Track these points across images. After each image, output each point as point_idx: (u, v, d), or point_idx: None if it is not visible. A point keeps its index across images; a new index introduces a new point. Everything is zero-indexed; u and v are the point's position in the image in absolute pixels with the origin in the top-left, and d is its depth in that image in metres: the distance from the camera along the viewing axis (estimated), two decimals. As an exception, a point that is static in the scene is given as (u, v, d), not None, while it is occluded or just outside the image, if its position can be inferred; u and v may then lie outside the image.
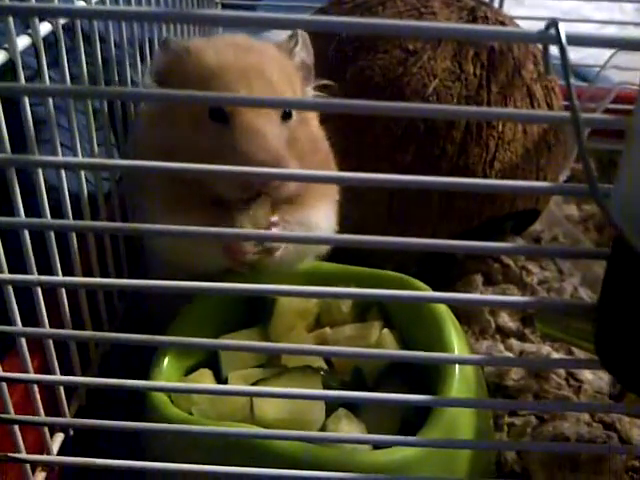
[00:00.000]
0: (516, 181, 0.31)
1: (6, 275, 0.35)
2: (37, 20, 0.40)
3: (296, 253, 0.52)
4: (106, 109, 0.52)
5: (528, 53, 0.68)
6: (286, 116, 0.49)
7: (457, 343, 0.48)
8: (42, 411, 0.41)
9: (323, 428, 0.45)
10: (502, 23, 0.69)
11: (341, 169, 0.55)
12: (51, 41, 0.43)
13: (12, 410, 0.38)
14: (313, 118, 0.56)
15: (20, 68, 0.38)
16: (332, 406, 0.46)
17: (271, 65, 0.51)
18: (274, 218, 0.49)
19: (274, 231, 0.49)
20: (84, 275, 0.48)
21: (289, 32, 0.56)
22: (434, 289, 0.52)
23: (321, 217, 0.54)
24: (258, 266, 0.50)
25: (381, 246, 0.32)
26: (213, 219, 0.46)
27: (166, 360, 0.49)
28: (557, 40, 0.27)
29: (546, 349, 0.63)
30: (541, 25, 0.28)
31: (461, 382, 0.46)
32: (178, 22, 0.56)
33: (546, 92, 0.68)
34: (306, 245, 0.53)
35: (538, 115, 0.30)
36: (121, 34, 0.55)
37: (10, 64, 0.38)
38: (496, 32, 0.31)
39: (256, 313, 0.54)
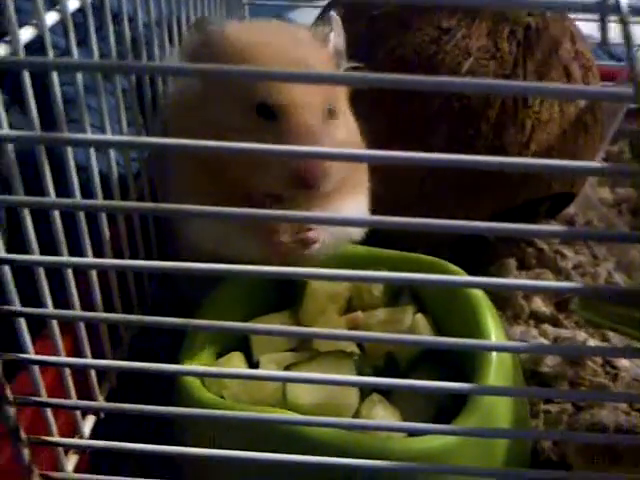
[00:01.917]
0: (570, 161, 0.30)
1: (37, 257, 0.34)
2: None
3: (332, 244, 0.51)
4: (134, 85, 0.51)
5: (565, 31, 0.65)
6: (330, 115, 0.48)
7: (494, 329, 0.47)
8: (74, 394, 0.41)
9: (357, 413, 0.44)
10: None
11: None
12: (78, 21, 0.42)
13: (45, 393, 0.37)
14: (349, 113, 0.54)
15: (49, 43, 0.37)
16: (365, 390, 0.45)
17: (311, 52, 0.50)
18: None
19: (311, 234, 0.48)
20: (114, 256, 0.47)
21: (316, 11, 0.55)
22: (467, 273, 0.51)
23: (355, 207, 0.53)
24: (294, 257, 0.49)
25: (414, 228, 0.31)
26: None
27: (197, 343, 0.48)
28: (617, 10, 0.25)
29: (582, 335, 0.62)
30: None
31: (498, 369, 0.45)
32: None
33: (584, 72, 0.66)
34: (342, 234, 0.53)
35: (597, 91, 0.28)
36: (149, 13, 0.53)
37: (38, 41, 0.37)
38: (551, 2, 0.29)
39: (287, 295, 0.54)
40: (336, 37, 0.53)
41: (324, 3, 0.75)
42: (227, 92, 0.48)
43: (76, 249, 0.42)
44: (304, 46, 0.50)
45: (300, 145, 0.44)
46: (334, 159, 0.45)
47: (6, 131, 0.32)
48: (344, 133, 0.50)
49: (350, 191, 0.52)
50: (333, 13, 0.54)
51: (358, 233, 0.54)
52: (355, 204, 0.53)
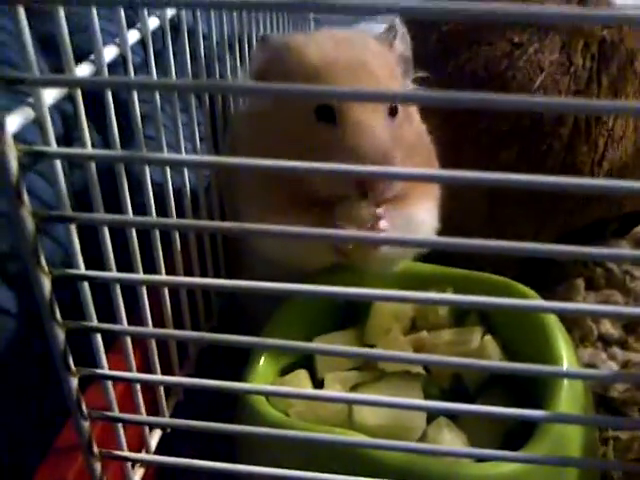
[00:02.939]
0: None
1: (116, 274, 0.34)
2: (146, 13, 0.39)
3: (401, 250, 0.51)
4: (207, 103, 0.51)
5: (640, 44, 0.64)
6: (393, 112, 0.48)
7: (567, 355, 0.45)
8: (143, 409, 0.41)
9: (423, 436, 0.44)
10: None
11: (440, 165, 0.53)
12: (153, 38, 0.42)
13: (116, 408, 0.38)
14: (415, 113, 0.54)
15: (130, 63, 0.38)
16: (432, 412, 0.44)
17: (375, 59, 0.49)
18: (380, 210, 0.47)
19: (382, 223, 0.47)
20: (184, 271, 0.47)
21: (383, 25, 0.54)
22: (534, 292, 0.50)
23: (425, 214, 0.52)
24: (363, 261, 0.49)
25: (487, 251, 0.30)
26: (313, 219, 0.45)
27: (262, 359, 0.48)
28: None
29: (653, 360, 0.60)
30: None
31: (570, 395, 0.44)
32: (281, 10, 0.54)
33: (659, 86, 0.64)
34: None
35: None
36: (222, 32, 0.54)
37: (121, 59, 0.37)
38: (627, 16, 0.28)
39: (351, 313, 0.53)
40: (401, 43, 0.53)
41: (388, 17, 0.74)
42: (290, 99, 0.48)
43: (147, 264, 0.42)
44: (367, 51, 0.50)
45: (360, 141, 0.44)
46: (399, 179, 0.44)
47: (90, 150, 0.33)
48: (409, 132, 0.50)
49: (419, 196, 0.51)
50: (397, 20, 0.53)
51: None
52: (426, 210, 0.52)
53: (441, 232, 0.53)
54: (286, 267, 0.48)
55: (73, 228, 0.33)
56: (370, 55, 0.49)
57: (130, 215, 0.37)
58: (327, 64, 0.48)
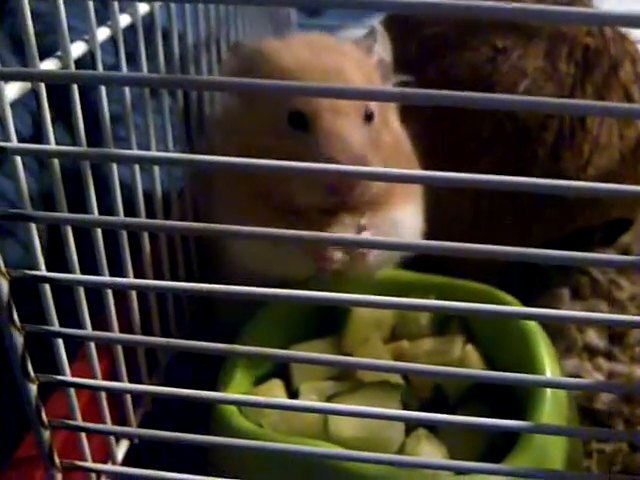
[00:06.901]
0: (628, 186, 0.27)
1: (79, 276, 0.33)
2: (117, 7, 0.38)
3: (385, 255, 0.49)
4: (181, 105, 0.50)
5: (625, 52, 0.63)
6: (368, 118, 0.46)
7: (550, 365, 0.44)
8: (109, 418, 0.40)
9: (401, 448, 0.42)
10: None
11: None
12: (126, 38, 0.41)
13: (79, 417, 0.36)
14: (394, 119, 0.53)
15: (99, 59, 0.36)
16: (411, 424, 0.43)
17: (351, 65, 0.48)
18: (363, 221, 0.46)
19: (365, 235, 0.46)
20: (154, 275, 0.46)
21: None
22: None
23: (409, 217, 0.51)
24: (344, 273, 0.48)
25: (472, 255, 0.29)
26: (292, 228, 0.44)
27: (236, 368, 0.47)
28: None
29: (639, 371, 0.59)
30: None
31: (553, 406, 0.43)
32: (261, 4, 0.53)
33: (644, 94, 0.63)
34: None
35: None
36: (198, 32, 0.53)
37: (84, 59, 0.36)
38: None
39: (330, 320, 0.52)
40: (381, 48, 0.52)
41: (373, 22, 0.74)
42: (262, 107, 0.47)
43: (115, 268, 0.41)
44: (343, 57, 0.49)
45: (333, 148, 0.43)
46: (372, 179, 0.43)
47: (53, 146, 0.32)
48: (388, 137, 0.49)
49: (402, 201, 0.50)
50: (377, 25, 0.52)
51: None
52: (409, 212, 0.51)
53: (425, 239, 0.51)
54: (265, 279, 0.47)
55: (33, 227, 0.32)
56: (346, 61, 0.48)
57: (95, 214, 0.35)
58: (301, 70, 0.46)
